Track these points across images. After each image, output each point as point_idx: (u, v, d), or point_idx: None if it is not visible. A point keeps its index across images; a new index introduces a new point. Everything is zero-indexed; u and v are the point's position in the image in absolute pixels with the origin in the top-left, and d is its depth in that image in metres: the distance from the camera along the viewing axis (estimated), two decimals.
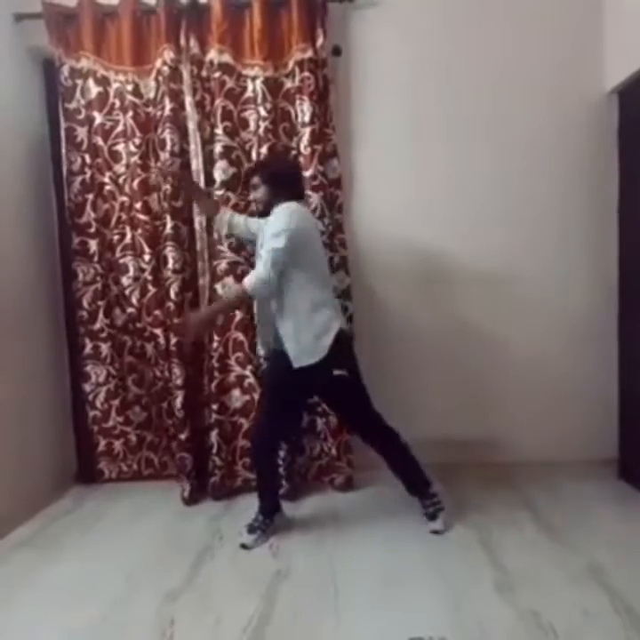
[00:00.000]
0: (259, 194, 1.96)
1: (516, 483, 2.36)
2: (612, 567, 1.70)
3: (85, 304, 2.46)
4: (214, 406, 2.34)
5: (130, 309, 2.45)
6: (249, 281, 1.78)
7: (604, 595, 1.57)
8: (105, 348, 2.48)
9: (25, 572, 1.84)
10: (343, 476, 2.40)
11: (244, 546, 1.92)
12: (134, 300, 2.44)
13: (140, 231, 2.38)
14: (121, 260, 2.44)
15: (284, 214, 1.80)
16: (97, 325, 2.47)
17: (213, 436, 2.34)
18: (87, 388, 2.50)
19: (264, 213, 1.94)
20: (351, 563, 1.80)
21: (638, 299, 2.28)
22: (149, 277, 2.39)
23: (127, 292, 2.44)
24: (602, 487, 2.30)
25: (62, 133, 2.39)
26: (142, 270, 2.40)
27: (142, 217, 2.36)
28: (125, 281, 2.44)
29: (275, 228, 1.78)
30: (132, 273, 2.44)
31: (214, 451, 2.34)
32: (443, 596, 1.60)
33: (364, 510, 2.18)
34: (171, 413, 2.43)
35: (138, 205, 2.36)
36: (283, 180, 1.94)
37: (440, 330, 2.54)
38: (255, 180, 1.97)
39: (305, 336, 1.82)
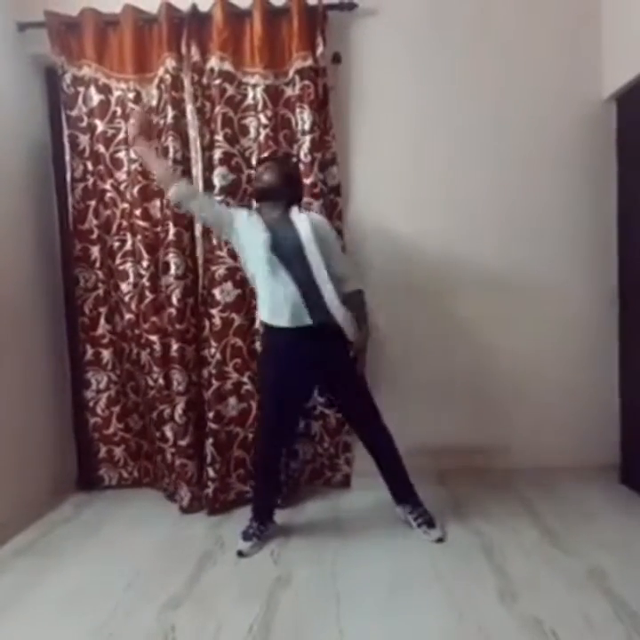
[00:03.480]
0: (272, 178, 2.01)
1: (517, 488, 2.35)
2: (614, 573, 1.70)
3: (87, 310, 2.47)
4: (210, 415, 2.32)
5: (128, 316, 2.45)
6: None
7: (606, 601, 1.56)
8: (106, 355, 2.49)
9: (25, 579, 1.83)
10: (341, 474, 2.42)
11: (240, 553, 1.92)
12: (133, 307, 2.44)
13: (139, 237, 2.38)
14: (121, 267, 2.44)
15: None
16: (98, 332, 2.47)
17: (208, 445, 2.31)
18: (88, 394, 2.50)
19: (263, 197, 2.03)
20: (353, 569, 1.80)
21: (639, 304, 2.29)
22: (147, 284, 2.38)
23: (126, 298, 2.44)
24: (603, 492, 2.29)
25: (65, 141, 2.41)
26: (141, 276, 2.40)
27: (142, 223, 2.37)
28: (125, 287, 2.44)
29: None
30: (131, 279, 2.44)
31: (209, 461, 2.31)
32: (445, 602, 1.60)
33: (365, 516, 2.17)
34: (159, 423, 2.40)
35: (138, 212, 2.37)
36: (295, 183, 2.09)
37: (440, 336, 2.54)
38: (271, 164, 2.06)
39: None
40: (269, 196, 2.01)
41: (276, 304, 1.91)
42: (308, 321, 1.88)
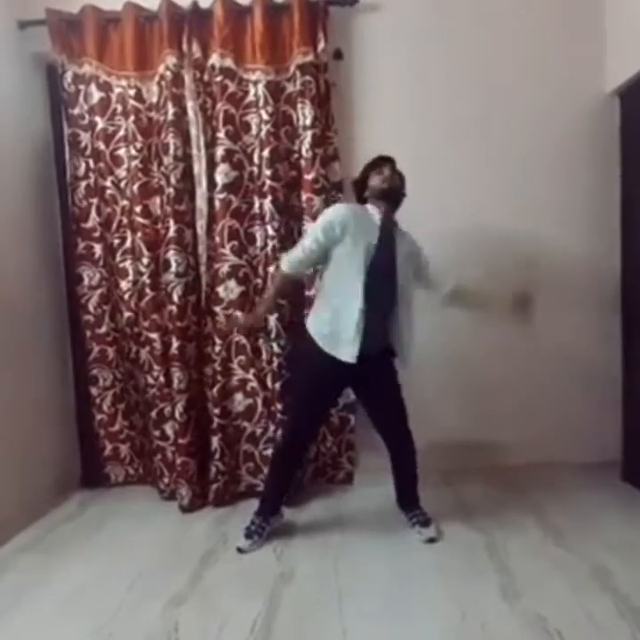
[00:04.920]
0: (395, 181, 1.97)
1: (520, 486, 2.35)
2: (617, 570, 1.70)
3: (91, 308, 2.46)
4: (217, 411, 2.33)
5: (127, 314, 2.43)
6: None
7: (609, 598, 1.56)
8: (111, 352, 2.49)
9: (29, 576, 1.84)
10: (343, 472, 2.42)
11: (239, 550, 1.92)
12: (132, 305, 2.43)
13: (139, 235, 2.36)
14: (121, 265, 2.43)
15: None
16: (103, 329, 2.47)
17: (216, 440, 2.33)
18: (94, 391, 2.50)
19: (390, 195, 1.95)
20: (356, 566, 1.80)
21: None
22: (148, 281, 2.37)
23: (126, 296, 2.43)
24: (606, 489, 2.29)
25: (66, 140, 2.41)
26: (141, 274, 2.38)
27: (142, 220, 2.36)
28: (124, 285, 2.43)
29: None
30: (131, 277, 2.43)
31: (217, 456, 2.32)
32: (448, 599, 1.60)
33: (368, 513, 2.17)
34: (159, 422, 2.39)
35: (138, 209, 2.36)
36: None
37: (443, 333, 2.53)
38: (395, 167, 2.01)
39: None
40: (393, 199, 1.96)
41: (334, 328, 1.84)
42: (362, 350, 1.82)
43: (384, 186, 1.94)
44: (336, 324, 1.85)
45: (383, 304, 1.88)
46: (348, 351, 1.83)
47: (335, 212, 1.90)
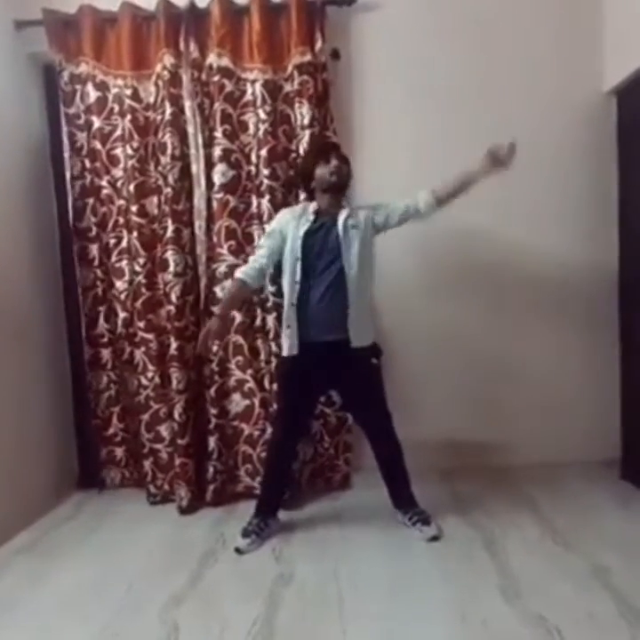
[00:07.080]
0: (348, 172, 1.98)
1: (519, 485, 2.35)
2: (617, 569, 1.69)
3: (87, 309, 2.45)
4: (214, 411, 2.32)
5: (123, 314, 2.41)
6: None
7: (609, 597, 1.56)
8: (105, 354, 2.46)
9: (26, 579, 1.83)
10: (340, 474, 2.40)
11: (237, 550, 1.91)
12: (128, 305, 2.41)
13: (136, 234, 2.35)
14: (117, 265, 2.42)
15: None
16: (97, 330, 2.45)
17: (213, 441, 2.32)
18: (91, 393, 2.48)
19: (340, 187, 1.96)
20: (355, 567, 1.79)
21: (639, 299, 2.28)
22: (144, 281, 2.36)
23: (122, 296, 2.42)
24: (605, 488, 2.29)
25: (65, 138, 2.40)
26: (137, 274, 2.37)
27: (139, 220, 2.34)
28: (120, 285, 2.42)
29: None
30: (127, 277, 2.41)
31: (215, 456, 2.31)
32: (448, 600, 1.59)
33: (367, 513, 2.16)
34: (153, 424, 2.37)
35: (134, 208, 2.34)
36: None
37: (443, 332, 2.53)
38: (343, 155, 2.00)
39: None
40: (343, 190, 1.97)
41: (295, 320, 1.89)
42: (328, 337, 1.87)
43: (333, 179, 1.93)
44: (285, 323, 1.95)
45: (327, 293, 1.87)
46: (287, 345, 1.93)
47: (277, 218, 2.01)
